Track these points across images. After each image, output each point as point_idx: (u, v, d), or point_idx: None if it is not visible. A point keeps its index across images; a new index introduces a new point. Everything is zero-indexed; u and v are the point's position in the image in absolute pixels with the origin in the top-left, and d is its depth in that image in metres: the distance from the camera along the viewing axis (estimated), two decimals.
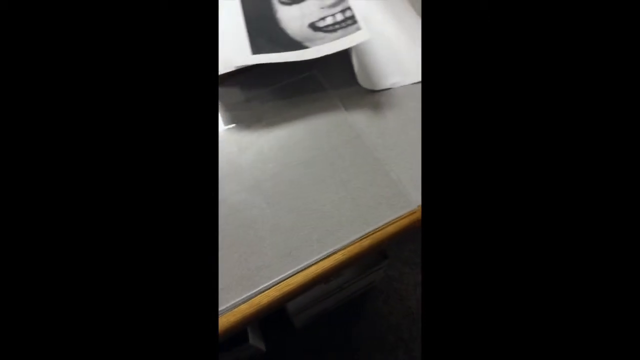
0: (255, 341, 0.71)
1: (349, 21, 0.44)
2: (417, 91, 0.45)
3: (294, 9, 0.46)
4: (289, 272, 0.33)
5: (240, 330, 0.32)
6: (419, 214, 0.37)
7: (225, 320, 0.31)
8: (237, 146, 0.41)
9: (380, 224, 0.36)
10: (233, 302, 0.31)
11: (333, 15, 0.45)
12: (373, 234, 0.36)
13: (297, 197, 0.37)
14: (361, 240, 0.35)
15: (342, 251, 0.35)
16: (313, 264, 0.34)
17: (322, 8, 0.45)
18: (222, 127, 0.43)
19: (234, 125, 0.43)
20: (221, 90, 0.45)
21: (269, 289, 0.32)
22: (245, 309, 0.31)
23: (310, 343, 0.87)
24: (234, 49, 0.43)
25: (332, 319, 0.90)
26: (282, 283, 0.33)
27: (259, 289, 0.32)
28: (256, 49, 0.43)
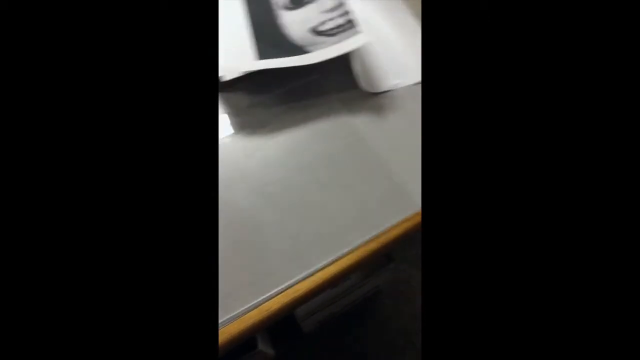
0: (264, 347, 0.71)
1: (349, 24, 0.44)
2: (419, 91, 0.45)
3: (296, 13, 0.46)
4: (297, 277, 0.33)
5: (250, 337, 0.32)
6: None
7: (235, 327, 0.31)
8: (243, 152, 0.41)
9: (386, 226, 0.36)
10: (242, 308, 0.31)
11: (333, 19, 0.45)
12: (379, 237, 0.36)
13: (303, 202, 0.37)
14: (367, 243, 0.35)
15: (349, 255, 0.34)
16: (321, 269, 0.34)
17: (323, 12, 0.45)
18: (227, 133, 0.43)
19: (239, 131, 0.43)
20: (226, 96, 0.45)
21: (278, 295, 0.32)
22: (255, 316, 0.31)
23: (319, 348, 0.87)
24: (239, 54, 0.43)
25: (340, 322, 0.89)
26: (290, 289, 0.32)
27: (267, 295, 0.32)
28: (261, 54, 0.43)
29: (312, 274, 0.33)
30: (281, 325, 0.32)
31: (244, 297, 0.32)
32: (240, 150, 0.41)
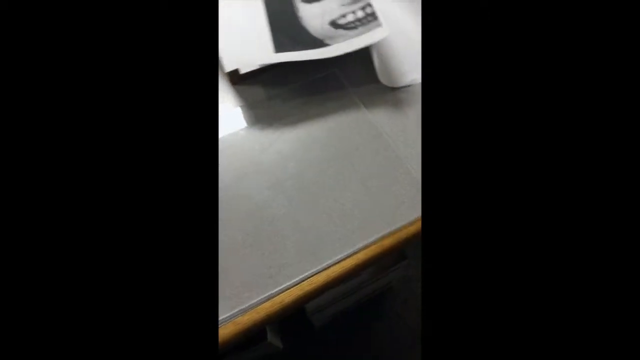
0: (273, 339, 0.71)
1: (370, 18, 0.43)
2: None
3: (315, 6, 0.45)
4: (312, 271, 0.33)
5: (261, 328, 0.32)
6: None
7: (248, 318, 0.31)
8: (259, 144, 0.41)
9: (402, 223, 0.36)
10: (256, 299, 0.32)
11: (354, 12, 0.44)
12: (394, 233, 0.35)
13: (319, 196, 0.37)
14: (382, 239, 0.35)
15: (364, 250, 0.34)
16: (335, 263, 0.33)
17: (343, 5, 0.45)
18: (243, 125, 0.43)
19: (254, 124, 0.43)
20: (243, 88, 0.45)
21: (292, 287, 0.32)
22: (269, 307, 0.31)
23: (328, 342, 0.87)
24: (257, 47, 0.43)
25: (350, 318, 0.89)
26: (304, 282, 0.32)
27: (281, 287, 0.32)
28: (279, 47, 0.43)
29: (326, 268, 0.33)
30: (291, 318, 0.32)
31: (258, 288, 0.32)
32: (255, 144, 0.41)
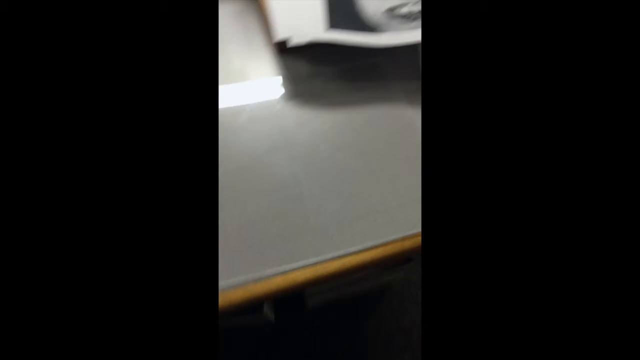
0: (268, 311, 0.72)
1: None
2: None
3: None
4: (328, 256, 0.33)
5: (270, 299, 0.33)
6: None
7: (258, 287, 0.31)
8: (293, 120, 0.41)
9: None
10: (270, 272, 0.32)
11: (413, 3, 0.43)
12: (415, 236, 0.35)
13: (346, 184, 0.37)
14: (403, 240, 0.35)
15: (384, 247, 0.34)
16: (352, 254, 0.33)
17: None
18: (281, 97, 0.42)
19: (292, 98, 0.42)
20: (287, 60, 0.45)
21: (306, 267, 0.32)
22: (280, 281, 0.32)
23: (317, 325, 0.88)
24: (309, 20, 0.42)
25: (344, 308, 0.90)
26: (319, 265, 0.32)
27: (296, 264, 0.32)
28: (332, 25, 0.42)
29: (343, 256, 0.33)
30: (287, 294, 0.33)
31: (273, 261, 0.32)
32: (290, 119, 0.41)
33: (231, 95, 0.43)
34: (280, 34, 0.42)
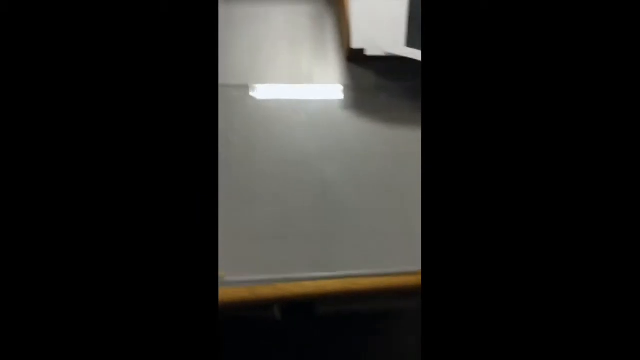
0: (277, 309, 0.72)
1: None
2: None
3: None
4: (357, 272, 0.32)
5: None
6: None
7: (289, 288, 0.31)
8: (348, 127, 0.40)
9: None
10: (300, 275, 0.31)
11: None
12: None
13: (391, 204, 0.36)
14: (417, 274, 0.33)
15: (414, 276, 0.33)
16: (382, 275, 0.32)
17: None
18: (342, 104, 0.42)
19: (351, 106, 0.42)
20: (354, 68, 0.44)
21: (338, 279, 0.32)
22: (311, 286, 0.31)
23: (321, 334, 0.87)
24: (390, 34, 0.42)
25: (354, 322, 0.89)
26: (350, 279, 0.32)
27: (330, 274, 0.32)
28: (411, 41, 0.41)
29: (376, 275, 0.32)
30: (315, 300, 0.32)
31: (306, 267, 0.32)
32: (348, 127, 0.40)
33: (295, 93, 0.43)
34: (356, 42, 0.41)
